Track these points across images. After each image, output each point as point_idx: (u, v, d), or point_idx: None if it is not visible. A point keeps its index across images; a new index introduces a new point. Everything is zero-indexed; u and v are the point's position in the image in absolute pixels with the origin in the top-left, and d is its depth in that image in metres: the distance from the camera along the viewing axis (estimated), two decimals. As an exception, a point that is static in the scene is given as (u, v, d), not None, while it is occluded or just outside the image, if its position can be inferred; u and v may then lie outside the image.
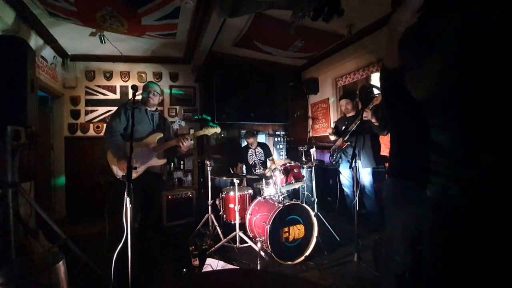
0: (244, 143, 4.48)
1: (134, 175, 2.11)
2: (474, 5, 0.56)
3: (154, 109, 2.41)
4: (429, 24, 0.66)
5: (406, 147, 1.19)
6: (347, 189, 3.40)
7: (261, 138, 4.74)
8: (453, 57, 0.59)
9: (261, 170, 3.64)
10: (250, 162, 3.66)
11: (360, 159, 3.07)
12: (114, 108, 4.25)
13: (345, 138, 3.17)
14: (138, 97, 2.05)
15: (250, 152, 3.69)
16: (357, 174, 2.51)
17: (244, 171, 3.74)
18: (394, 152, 1.31)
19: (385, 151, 3.39)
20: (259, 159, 3.69)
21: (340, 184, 3.51)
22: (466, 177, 0.62)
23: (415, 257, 1.15)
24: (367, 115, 2.65)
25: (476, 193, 0.60)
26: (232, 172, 3.14)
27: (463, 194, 0.62)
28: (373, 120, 2.70)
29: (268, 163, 3.82)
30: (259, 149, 3.72)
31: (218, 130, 2.52)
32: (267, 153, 3.80)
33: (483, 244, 0.61)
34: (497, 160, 0.57)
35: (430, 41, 0.65)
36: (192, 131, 4.41)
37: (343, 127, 3.33)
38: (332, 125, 4.61)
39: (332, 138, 3.43)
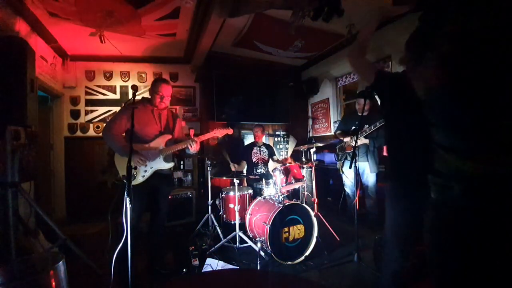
0: (248, 141, 4.47)
1: (141, 178, 2.05)
2: (468, 9, 0.60)
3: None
4: (428, 25, 0.69)
5: (405, 149, 1.23)
6: (348, 190, 3.41)
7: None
8: (448, 58, 0.62)
9: (262, 170, 3.64)
10: (254, 160, 3.65)
11: (368, 162, 3.14)
12: (114, 108, 4.26)
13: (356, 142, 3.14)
14: (138, 97, 2.03)
15: (255, 149, 3.68)
16: (358, 174, 2.52)
17: (245, 170, 3.73)
18: (393, 155, 1.35)
19: (386, 151, 3.39)
20: (262, 158, 3.68)
21: (343, 184, 3.51)
22: (466, 176, 0.62)
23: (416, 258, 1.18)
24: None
25: (477, 193, 0.60)
26: (233, 169, 3.14)
27: (464, 194, 0.62)
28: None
29: (270, 165, 3.81)
30: (263, 148, 3.72)
31: (230, 131, 2.35)
32: (271, 154, 3.79)
33: (486, 244, 0.60)
34: (497, 158, 0.57)
35: (429, 41, 0.67)
36: (191, 131, 4.41)
37: (353, 128, 3.24)
38: (333, 124, 4.62)
39: (347, 139, 3.31)
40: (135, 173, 2.02)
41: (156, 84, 2.14)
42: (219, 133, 2.32)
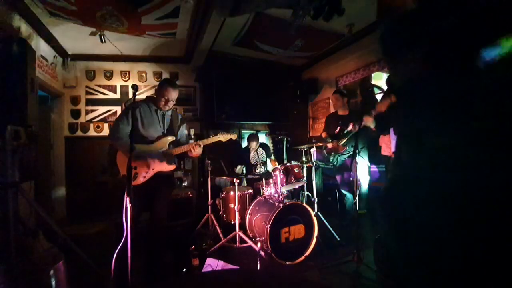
0: (244, 143, 4.48)
1: (142, 179, 2.02)
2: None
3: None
4: None
5: None
6: (343, 190, 3.37)
7: (261, 138, 4.72)
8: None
9: (261, 170, 3.64)
10: (252, 162, 3.66)
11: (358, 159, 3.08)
12: (115, 108, 4.26)
13: (343, 142, 3.05)
14: (140, 96, 2.00)
15: (252, 154, 3.70)
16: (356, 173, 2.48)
17: (244, 171, 3.74)
18: None
19: (385, 150, 3.38)
20: (260, 160, 3.70)
21: (338, 185, 3.48)
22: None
23: None
24: (368, 121, 2.51)
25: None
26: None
27: None
28: (372, 126, 2.59)
29: (269, 165, 3.81)
30: (260, 150, 3.74)
31: (234, 136, 2.29)
32: (268, 153, 3.81)
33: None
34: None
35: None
36: (191, 130, 4.41)
37: (338, 128, 3.16)
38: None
39: (330, 145, 3.25)
40: (136, 173, 1.99)
41: (163, 87, 2.08)
42: (223, 137, 2.25)
